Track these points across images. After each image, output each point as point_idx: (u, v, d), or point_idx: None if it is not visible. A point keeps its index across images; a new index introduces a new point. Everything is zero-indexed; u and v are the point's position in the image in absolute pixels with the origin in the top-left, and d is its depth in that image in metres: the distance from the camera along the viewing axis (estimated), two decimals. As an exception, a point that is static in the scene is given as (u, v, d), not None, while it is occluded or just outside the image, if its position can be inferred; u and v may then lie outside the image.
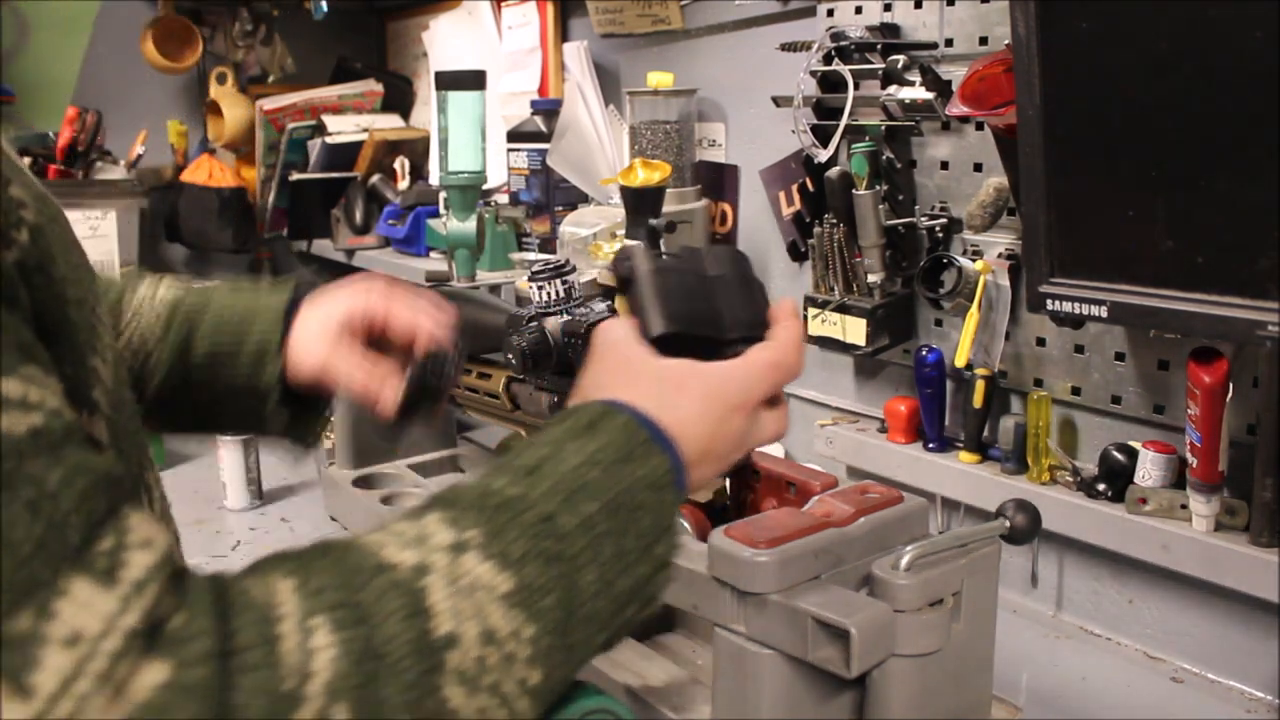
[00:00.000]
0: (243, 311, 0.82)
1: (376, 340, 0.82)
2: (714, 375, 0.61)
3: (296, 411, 0.82)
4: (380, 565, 0.45)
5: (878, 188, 1.18)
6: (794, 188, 1.35)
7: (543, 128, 1.67)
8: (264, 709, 0.38)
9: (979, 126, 1.13)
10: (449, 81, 1.54)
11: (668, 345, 0.63)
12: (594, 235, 1.44)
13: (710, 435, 0.60)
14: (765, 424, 0.64)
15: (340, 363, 0.79)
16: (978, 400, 1.14)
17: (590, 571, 0.50)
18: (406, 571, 0.45)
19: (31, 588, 0.35)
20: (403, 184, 1.94)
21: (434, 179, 1.98)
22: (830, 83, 1.24)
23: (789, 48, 1.30)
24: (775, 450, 1.19)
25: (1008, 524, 0.78)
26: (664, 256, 0.69)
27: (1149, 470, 1.00)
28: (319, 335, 0.80)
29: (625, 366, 0.61)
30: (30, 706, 0.34)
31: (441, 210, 1.59)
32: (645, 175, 1.32)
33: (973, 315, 1.12)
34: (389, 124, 2.11)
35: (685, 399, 0.59)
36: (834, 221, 1.23)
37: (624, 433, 0.55)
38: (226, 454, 1.44)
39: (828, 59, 1.24)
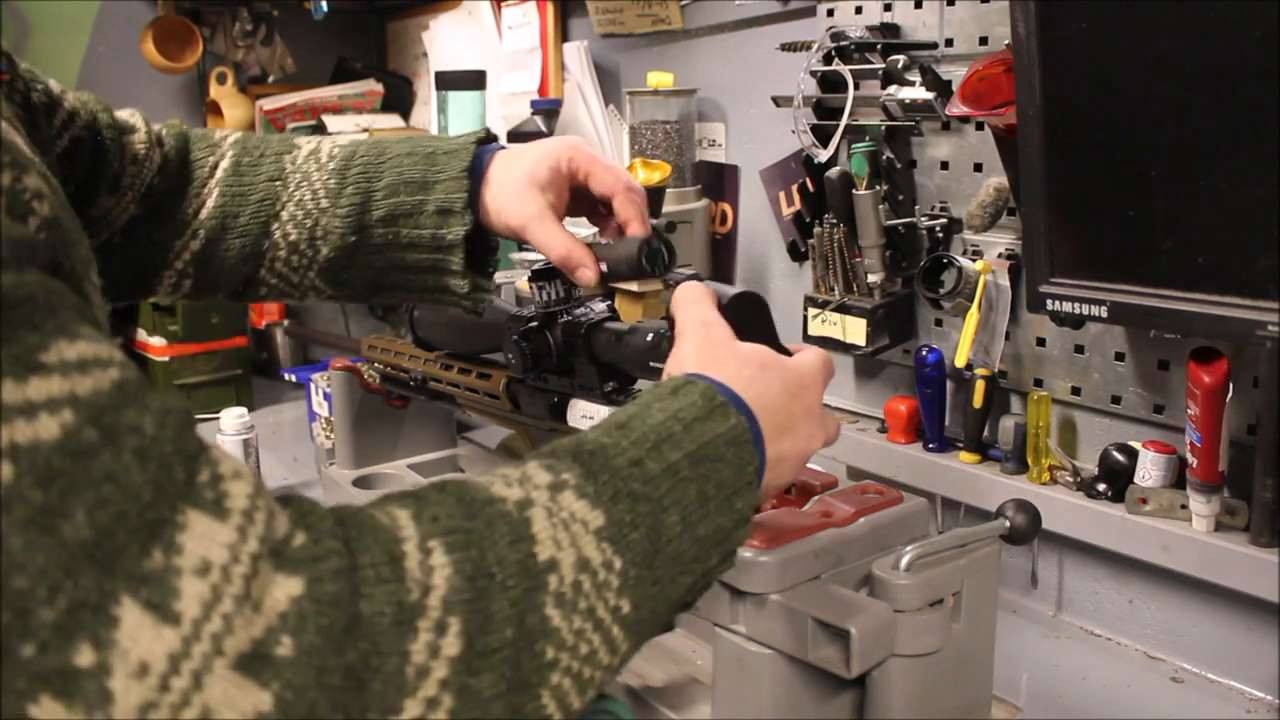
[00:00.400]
0: (423, 168, 0.84)
1: (575, 191, 0.86)
2: (789, 360, 0.68)
3: (474, 274, 0.86)
4: (490, 498, 0.50)
5: (878, 188, 1.18)
6: (794, 188, 1.35)
7: (543, 128, 1.67)
8: (392, 616, 0.42)
9: (979, 126, 1.13)
10: (449, 81, 1.54)
11: (742, 320, 0.69)
12: (594, 235, 1.44)
13: (788, 409, 0.65)
14: (828, 417, 0.69)
15: (540, 229, 0.82)
16: (978, 400, 1.14)
17: (674, 513, 0.55)
18: (512, 504, 0.50)
19: (156, 526, 0.37)
20: (403, 184, 1.94)
21: (434, 179, 1.98)
22: (830, 83, 1.24)
23: (789, 48, 1.30)
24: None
25: (1008, 524, 0.78)
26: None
27: (1149, 470, 1.01)
28: (520, 194, 0.83)
29: (712, 349, 0.66)
30: (179, 631, 0.37)
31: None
32: (645, 175, 1.31)
33: (973, 315, 1.12)
34: (389, 124, 2.11)
35: (765, 376, 0.64)
36: (834, 221, 1.23)
37: (704, 396, 0.60)
38: (226, 454, 1.44)
39: (828, 59, 1.24)
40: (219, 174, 0.87)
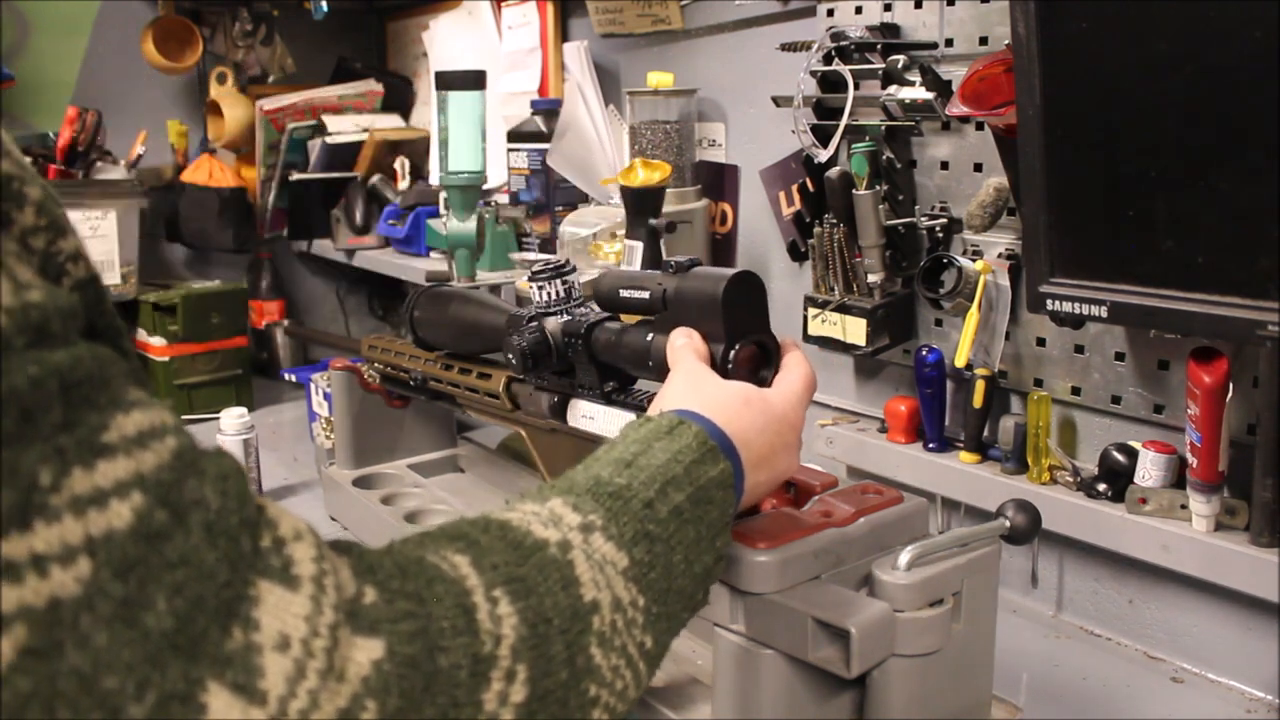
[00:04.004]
0: None
1: None
2: (771, 394, 0.71)
3: None
4: (536, 542, 0.52)
5: (878, 188, 1.18)
6: (794, 188, 1.35)
7: (543, 128, 1.67)
8: (469, 669, 0.44)
9: (979, 126, 1.13)
10: (449, 81, 1.53)
11: (739, 302, 0.73)
12: (594, 235, 1.44)
13: (769, 444, 0.68)
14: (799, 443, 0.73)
15: None
16: (978, 400, 1.14)
17: (679, 552, 0.58)
18: (555, 548, 0.52)
19: (233, 604, 0.38)
20: (403, 184, 1.94)
21: (434, 179, 1.98)
22: (830, 83, 1.24)
23: (789, 48, 1.30)
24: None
25: (1008, 524, 0.78)
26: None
27: (1149, 470, 1.00)
28: None
29: (701, 385, 0.70)
30: (266, 710, 0.37)
31: (441, 210, 1.59)
32: (645, 175, 1.32)
33: (973, 315, 1.12)
34: (389, 124, 2.11)
35: (748, 412, 0.68)
36: (834, 221, 1.23)
37: (698, 439, 0.63)
38: (226, 454, 1.44)
39: (828, 59, 1.24)
40: None
